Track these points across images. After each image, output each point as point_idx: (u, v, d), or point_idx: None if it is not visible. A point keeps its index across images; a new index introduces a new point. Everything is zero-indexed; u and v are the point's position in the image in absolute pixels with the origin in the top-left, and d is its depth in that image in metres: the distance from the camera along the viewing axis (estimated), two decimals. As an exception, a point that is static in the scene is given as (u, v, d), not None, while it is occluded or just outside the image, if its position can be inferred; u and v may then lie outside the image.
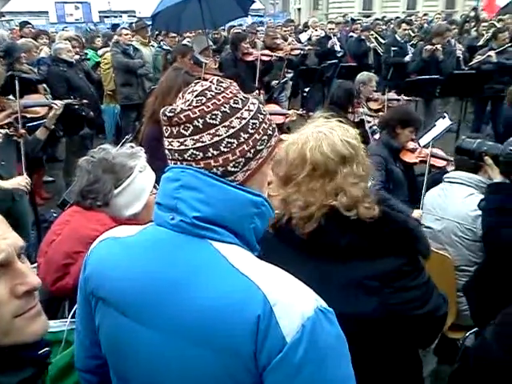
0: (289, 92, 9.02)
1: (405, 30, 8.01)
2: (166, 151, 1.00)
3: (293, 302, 0.86)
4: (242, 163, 0.97)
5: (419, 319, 1.40)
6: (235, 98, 0.98)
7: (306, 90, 8.62)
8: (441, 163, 3.75)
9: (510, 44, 7.07)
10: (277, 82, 6.98)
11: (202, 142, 0.94)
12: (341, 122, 1.47)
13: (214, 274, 0.90)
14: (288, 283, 0.91)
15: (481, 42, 8.37)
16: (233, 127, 0.95)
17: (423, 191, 3.23)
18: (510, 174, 2.06)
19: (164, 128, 0.98)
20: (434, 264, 2.64)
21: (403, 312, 1.36)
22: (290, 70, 7.98)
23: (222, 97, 0.96)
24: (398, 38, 7.95)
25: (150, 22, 6.86)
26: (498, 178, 2.09)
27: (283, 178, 1.40)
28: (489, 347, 1.36)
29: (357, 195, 1.37)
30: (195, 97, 0.96)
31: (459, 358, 1.80)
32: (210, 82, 1.00)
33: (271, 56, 7.34)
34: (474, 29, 10.22)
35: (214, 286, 0.89)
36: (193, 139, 0.94)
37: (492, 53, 6.74)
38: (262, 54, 7.20)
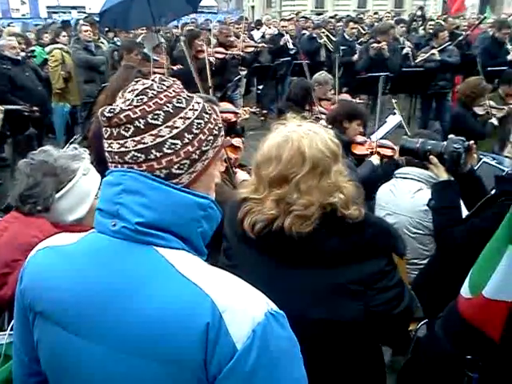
0: (243, 89, 9.01)
1: (352, 28, 8.12)
2: (106, 154, 0.95)
3: (242, 307, 0.84)
4: (187, 165, 0.93)
5: (397, 317, 1.40)
6: (178, 97, 0.94)
7: (260, 87, 8.63)
8: (389, 153, 3.83)
9: (449, 42, 7.33)
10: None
11: (144, 143, 0.90)
12: (312, 122, 1.47)
13: (160, 281, 0.87)
14: (238, 288, 0.89)
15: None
16: (176, 127, 0.92)
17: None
18: (456, 172, 2.09)
19: (103, 129, 0.93)
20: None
21: (385, 312, 1.37)
22: (243, 68, 7.97)
23: (165, 96, 0.93)
24: (347, 37, 8.07)
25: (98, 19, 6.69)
26: (444, 176, 2.08)
27: (276, 178, 1.34)
28: (437, 339, 1.40)
29: (351, 192, 1.37)
30: (136, 96, 0.92)
31: (411, 350, 1.84)
32: (152, 80, 0.96)
33: (225, 54, 7.32)
34: (422, 27, 10.55)
35: (160, 295, 0.85)
36: (134, 140, 0.90)
37: (435, 51, 6.96)
38: (216, 52, 7.16)
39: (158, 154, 0.91)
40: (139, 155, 0.90)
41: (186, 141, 0.93)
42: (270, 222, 1.34)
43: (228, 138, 3.53)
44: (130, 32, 8.01)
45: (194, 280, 0.86)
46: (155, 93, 0.92)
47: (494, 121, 4.81)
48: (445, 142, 2.16)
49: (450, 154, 2.10)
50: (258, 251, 1.39)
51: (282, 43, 8.36)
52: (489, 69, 6.55)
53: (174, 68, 6.75)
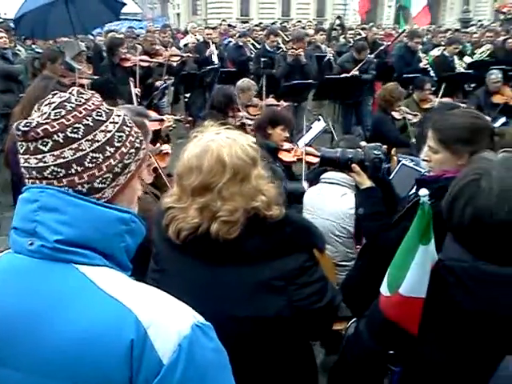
0: (171, 98, 8.92)
1: (273, 41, 8.21)
2: (23, 169, 0.92)
3: (168, 322, 0.84)
4: (109, 179, 0.93)
5: (321, 311, 1.45)
6: (98, 110, 0.93)
7: (187, 95, 8.58)
8: (316, 160, 3.94)
9: (371, 56, 7.66)
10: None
11: (64, 157, 0.88)
12: (229, 128, 1.47)
13: (81, 301, 0.85)
14: (162, 303, 0.88)
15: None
16: (97, 141, 0.91)
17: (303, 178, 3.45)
18: (374, 177, 2.14)
19: (19, 144, 0.90)
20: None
21: (307, 306, 1.41)
22: (171, 77, 7.90)
23: (84, 109, 0.91)
24: (268, 48, 8.22)
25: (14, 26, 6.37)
26: (367, 183, 2.11)
27: (198, 188, 1.35)
28: (361, 337, 1.45)
29: (273, 194, 1.40)
30: (53, 109, 0.90)
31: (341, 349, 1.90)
32: (70, 93, 0.94)
33: (150, 62, 7.22)
34: (342, 36, 10.99)
35: (82, 315, 0.83)
36: (53, 155, 0.88)
37: (356, 73, 7.04)
38: (141, 60, 7.04)
39: (79, 169, 0.89)
40: (59, 170, 0.89)
41: (108, 154, 0.92)
42: (194, 230, 1.35)
43: (158, 144, 3.49)
44: (50, 39, 7.68)
45: (117, 297, 0.85)
46: (74, 106, 0.91)
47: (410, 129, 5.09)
48: (359, 150, 2.18)
49: (371, 161, 2.14)
50: (184, 255, 1.40)
51: (207, 54, 8.36)
52: (404, 76, 6.95)
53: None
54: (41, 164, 0.89)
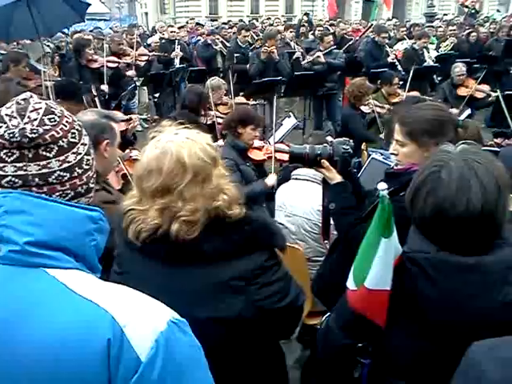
0: (146, 98, 8.85)
1: (245, 36, 8.29)
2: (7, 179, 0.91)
3: (143, 319, 0.84)
4: (70, 195, 0.95)
5: (283, 311, 1.45)
6: (72, 131, 0.96)
7: (156, 95, 8.51)
8: (286, 157, 3.95)
9: (334, 46, 7.77)
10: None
11: (69, 162, 0.94)
12: (188, 127, 1.45)
13: (54, 305, 0.84)
14: (137, 301, 0.88)
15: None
16: (69, 162, 0.95)
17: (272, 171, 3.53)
18: (344, 171, 2.15)
19: (3, 152, 0.89)
20: (288, 257, 2.79)
21: (268, 306, 1.41)
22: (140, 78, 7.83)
23: (66, 115, 0.96)
24: (240, 44, 8.24)
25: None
26: (337, 178, 2.12)
27: (158, 190, 1.33)
28: (331, 331, 1.46)
29: (234, 193, 1.40)
30: (44, 115, 0.91)
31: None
32: (25, 99, 0.94)
33: (118, 62, 7.13)
34: (311, 32, 11.06)
35: (55, 319, 0.82)
36: (58, 160, 0.93)
37: (320, 53, 7.34)
38: (108, 61, 6.95)
39: (80, 171, 0.96)
40: (65, 174, 0.93)
41: (75, 174, 0.95)
42: (154, 231, 1.34)
43: (127, 150, 3.45)
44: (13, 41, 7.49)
45: (91, 298, 0.85)
46: (59, 111, 0.95)
47: (378, 122, 5.17)
48: (325, 145, 2.18)
49: (341, 156, 2.15)
50: (144, 257, 1.39)
51: (172, 56, 8.31)
52: (372, 70, 7.04)
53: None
54: (45, 170, 0.90)
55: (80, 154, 0.96)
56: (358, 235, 2.01)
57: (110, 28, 14.13)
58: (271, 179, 3.44)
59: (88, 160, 0.98)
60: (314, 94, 7.44)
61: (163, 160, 1.33)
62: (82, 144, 0.97)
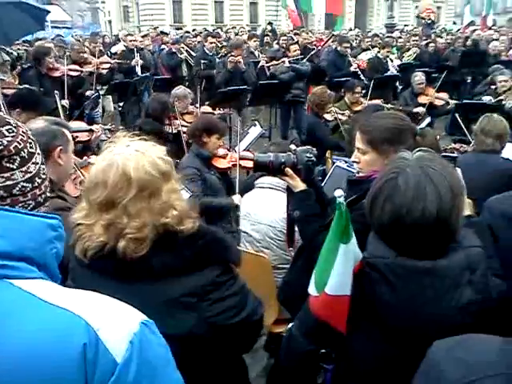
0: (111, 108, 8.72)
1: (211, 43, 8.35)
2: None
3: (116, 322, 0.85)
4: (31, 206, 0.96)
5: (238, 326, 1.43)
6: (29, 141, 0.97)
7: (121, 104, 8.41)
8: (251, 164, 3.98)
9: (301, 56, 7.89)
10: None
11: (30, 172, 0.96)
12: (145, 139, 1.44)
13: (24, 315, 0.83)
14: (108, 305, 0.90)
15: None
16: (30, 172, 0.96)
17: (236, 191, 3.48)
18: (308, 179, 2.16)
19: None
20: (253, 266, 2.80)
21: (222, 322, 1.38)
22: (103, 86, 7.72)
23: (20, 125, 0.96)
24: (207, 51, 8.27)
25: None
26: (301, 186, 2.14)
27: (103, 203, 1.30)
28: (294, 338, 1.47)
29: (184, 208, 1.37)
30: (1, 126, 0.92)
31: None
32: None
33: (80, 71, 7.01)
34: (276, 41, 11.19)
35: (27, 328, 0.81)
36: (21, 171, 0.93)
37: (286, 59, 7.47)
38: (70, 69, 6.83)
39: (40, 181, 0.97)
40: (27, 185, 0.94)
41: (36, 184, 0.97)
42: (100, 249, 1.32)
43: (85, 157, 3.39)
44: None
45: (62, 305, 0.85)
46: (13, 122, 0.95)
47: (343, 129, 5.26)
48: (289, 153, 2.20)
49: (304, 164, 2.16)
50: (94, 272, 1.36)
51: (133, 64, 8.26)
52: (335, 79, 7.17)
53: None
54: (9, 182, 0.91)
55: (38, 163, 0.97)
56: (321, 242, 2.04)
57: (72, 36, 13.90)
58: (236, 199, 3.42)
59: (43, 169, 0.99)
60: (280, 102, 7.52)
61: (108, 173, 1.30)
62: (37, 153, 0.98)
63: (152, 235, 1.31)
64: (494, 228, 2.03)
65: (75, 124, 4.78)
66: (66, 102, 6.24)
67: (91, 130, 3.97)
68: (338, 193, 1.17)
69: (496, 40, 11.45)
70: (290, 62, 7.46)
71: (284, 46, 9.55)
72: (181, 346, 1.31)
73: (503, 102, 5.84)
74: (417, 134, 1.98)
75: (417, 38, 11.33)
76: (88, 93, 6.56)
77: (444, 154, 1.90)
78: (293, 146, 2.50)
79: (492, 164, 3.23)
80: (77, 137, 3.95)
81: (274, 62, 7.57)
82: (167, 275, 1.33)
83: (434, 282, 1.25)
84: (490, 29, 17.28)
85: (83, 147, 3.97)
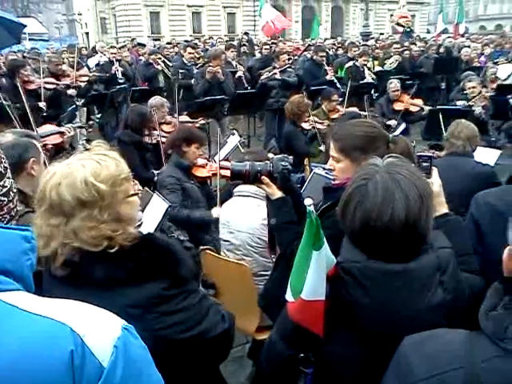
0: (84, 119, 8.67)
1: (190, 53, 8.41)
2: None
3: (100, 327, 0.87)
4: (6, 219, 0.99)
5: (191, 342, 1.40)
6: (2, 156, 0.99)
7: (98, 116, 8.38)
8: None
9: (289, 65, 7.99)
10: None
11: (6, 186, 0.99)
12: (105, 155, 1.41)
13: (8, 326, 0.83)
14: (89, 311, 0.91)
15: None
16: (6, 186, 0.99)
17: (218, 200, 3.49)
18: (284, 187, 2.18)
19: None
20: (234, 274, 2.82)
21: (172, 336, 1.36)
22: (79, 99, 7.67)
23: None
24: (185, 61, 8.30)
25: None
26: (277, 193, 2.15)
27: (43, 216, 1.33)
28: (273, 344, 1.49)
29: (95, 236, 1.32)
30: None
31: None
32: None
33: (57, 84, 6.97)
34: (258, 51, 11.29)
35: (12, 340, 0.81)
36: None
37: (276, 70, 7.55)
38: (46, 82, 6.78)
39: (12, 195, 1.00)
40: (3, 199, 0.96)
41: (10, 198, 1.00)
42: (48, 257, 1.33)
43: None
44: None
45: (45, 314, 0.85)
46: None
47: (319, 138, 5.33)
48: (266, 162, 2.22)
49: (280, 172, 2.18)
50: (53, 279, 1.37)
51: (112, 71, 8.25)
52: (312, 88, 7.26)
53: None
54: None
55: (9, 177, 0.99)
56: (297, 249, 2.06)
57: (47, 48, 13.77)
58: (215, 212, 3.42)
59: (13, 183, 1.01)
60: (263, 111, 7.56)
61: (45, 185, 1.32)
62: (8, 168, 1.00)
63: (66, 250, 1.31)
64: (482, 224, 2.08)
65: (44, 128, 4.75)
66: (43, 105, 6.21)
67: (61, 132, 3.93)
68: (308, 201, 1.20)
69: (467, 47, 11.76)
70: (280, 71, 7.54)
71: (266, 54, 9.65)
72: None
73: (473, 108, 6.01)
74: (390, 142, 2.02)
75: (398, 45, 11.52)
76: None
77: (419, 153, 1.93)
78: (271, 155, 2.53)
79: (464, 168, 3.31)
80: (51, 141, 3.92)
81: (267, 74, 7.60)
82: (112, 285, 1.33)
83: (405, 284, 1.29)
84: (462, 36, 17.73)
85: (56, 151, 3.92)
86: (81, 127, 4.54)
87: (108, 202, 1.34)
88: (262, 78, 7.72)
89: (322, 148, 5.07)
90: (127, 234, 1.36)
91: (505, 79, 7.82)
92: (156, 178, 4.08)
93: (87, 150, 1.49)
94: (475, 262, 1.63)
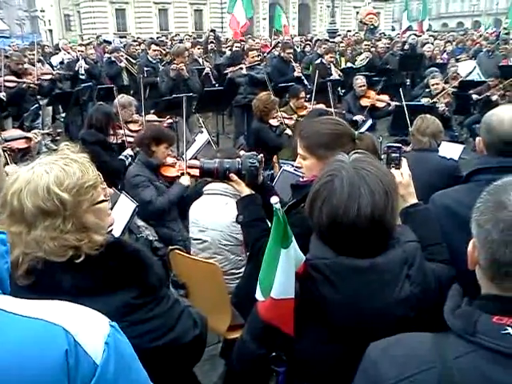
0: (49, 118, 8.46)
1: (155, 50, 8.32)
2: None
3: (91, 325, 0.87)
4: None
5: (164, 349, 1.38)
6: None
7: (63, 115, 8.18)
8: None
9: (258, 62, 7.98)
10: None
11: None
12: (72, 160, 1.36)
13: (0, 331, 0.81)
14: (78, 311, 0.91)
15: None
16: None
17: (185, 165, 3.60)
18: (252, 184, 2.18)
19: None
20: (204, 273, 2.80)
21: (145, 345, 1.33)
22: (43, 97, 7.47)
23: None
24: (150, 59, 8.20)
25: None
26: (246, 191, 2.16)
27: (5, 222, 1.28)
28: (244, 343, 1.48)
29: (57, 246, 1.27)
30: None
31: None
32: None
33: (17, 82, 6.78)
34: (228, 48, 11.25)
35: (6, 343, 0.79)
36: None
37: (243, 66, 7.51)
38: (6, 81, 6.59)
39: None
40: None
41: None
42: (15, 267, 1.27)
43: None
44: None
45: (35, 315, 0.84)
46: None
47: (288, 131, 5.35)
48: (239, 159, 2.23)
49: (248, 170, 2.18)
50: (20, 288, 1.30)
51: (76, 68, 8.08)
52: (280, 85, 7.28)
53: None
54: None
55: None
56: (264, 246, 2.06)
57: (9, 46, 13.38)
58: (185, 180, 3.46)
59: None
60: (231, 109, 7.53)
61: (7, 190, 1.28)
62: None
63: (28, 259, 1.27)
64: (440, 225, 2.13)
65: (10, 133, 4.62)
66: (2, 95, 6.02)
67: (28, 138, 3.83)
68: (274, 200, 1.19)
69: (429, 43, 12.03)
70: (247, 68, 7.51)
71: (238, 51, 9.61)
72: None
73: (436, 105, 6.15)
74: (355, 138, 2.03)
75: (369, 43, 11.66)
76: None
77: (389, 144, 1.95)
78: (242, 152, 2.52)
79: (430, 163, 3.37)
80: (16, 146, 3.81)
81: (233, 69, 7.59)
82: (79, 295, 1.27)
83: (373, 279, 1.30)
84: (424, 33, 18.11)
85: (22, 155, 3.81)
86: (48, 134, 4.41)
87: (71, 211, 1.29)
88: (228, 71, 7.70)
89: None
90: (93, 242, 1.32)
91: (466, 76, 8.03)
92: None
93: (54, 150, 1.43)
94: (445, 252, 1.64)
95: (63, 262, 1.28)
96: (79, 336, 0.84)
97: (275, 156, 5.03)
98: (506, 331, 0.89)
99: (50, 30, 39.82)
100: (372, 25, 19.94)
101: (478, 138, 2.07)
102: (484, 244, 0.96)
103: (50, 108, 8.55)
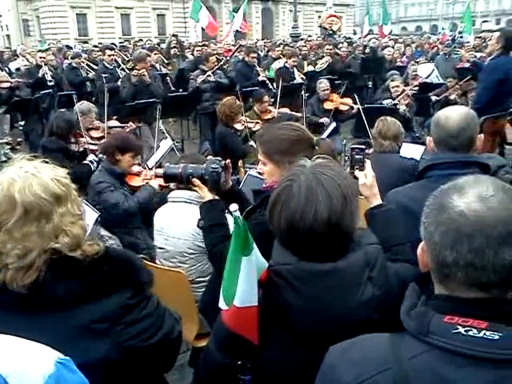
0: (8, 127, 8.21)
1: (110, 55, 8.21)
2: None
3: (29, 366, 0.81)
4: None
5: (156, 347, 1.39)
6: None
7: (22, 123, 7.95)
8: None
9: (218, 66, 7.95)
10: None
11: None
12: (46, 162, 1.36)
13: None
14: (19, 349, 0.84)
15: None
16: None
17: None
18: (215, 190, 2.17)
19: None
20: (170, 282, 2.75)
21: (139, 344, 1.34)
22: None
23: None
24: (107, 65, 8.08)
25: None
26: (208, 196, 2.15)
27: None
28: (210, 352, 1.47)
29: (78, 233, 1.31)
30: None
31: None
32: None
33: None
34: (190, 52, 11.17)
35: None
36: None
37: (210, 72, 7.49)
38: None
39: None
40: None
41: None
42: None
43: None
44: None
45: None
46: None
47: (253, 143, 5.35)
48: (204, 165, 2.22)
49: (210, 175, 2.18)
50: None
51: (40, 75, 7.87)
52: (244, 90, 7.28)
53: None
54: None
55: None
56: (222, 252, 2.06)
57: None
58: (154, 183, 3.43)
59: None
60: (195, 115, 7.46)
61: (8, 194, 1.24)
62: None
63: (42, 261, 1.25)
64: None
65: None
66: None
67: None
68: (233, 207, 1.19)
69: (389, 47, 12.31)
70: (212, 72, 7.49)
71: (199, 56, 9.55)
72: (98, 373, 1.25)
73: (398, 106, 6.29)
74: (314, 144, 2.04)
75: (331, 46, 11.81)
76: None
77: (353, 146, 1.97)
78: (210, 157, 2.52)
79: (391, 164, 3.45)
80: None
81: (201, 77, 7.52)
82: (75, 302, 1.27)
83: (335, 282, 1.30)
84: (386, 36, 18.50)
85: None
86: (7, 143, 4.28)
87: (73, 196, 1.34)
88: (193, 77, 7.64)
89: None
90: (88, 246, 1.33)
91: (426, 77, 8.23)
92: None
93: (9, 159, 1.39)
94: (410, 252, 1.66)
95: (61, 270, 1.26)
96: (11, 378, 0.78)
97: (241, 161, 5.03)
98: (457, 330, 0.90)
99: (8, 36, 38.74)
100: (331, 29, 20.28)
101: (428, 138, 2.13)
102: (429, 246, 0.97)
103: (8, 116, 8.31)
